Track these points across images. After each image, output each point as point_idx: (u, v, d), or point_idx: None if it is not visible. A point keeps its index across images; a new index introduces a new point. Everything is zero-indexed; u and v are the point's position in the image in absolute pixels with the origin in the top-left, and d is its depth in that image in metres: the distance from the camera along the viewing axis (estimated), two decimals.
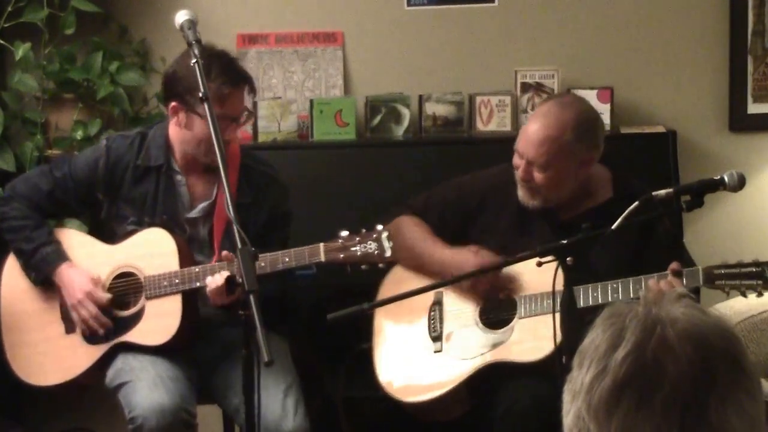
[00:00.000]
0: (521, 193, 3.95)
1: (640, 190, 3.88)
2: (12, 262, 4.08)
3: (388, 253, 3.64)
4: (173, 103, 3.89)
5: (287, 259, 3.70)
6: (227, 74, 3.81)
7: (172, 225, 3.96)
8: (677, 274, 3.62)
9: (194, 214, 3.99)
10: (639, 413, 1.48)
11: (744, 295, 3.62)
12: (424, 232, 4.08)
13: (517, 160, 3.93)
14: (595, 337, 1.55)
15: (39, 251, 3.98)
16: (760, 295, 3.61)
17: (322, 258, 3.67)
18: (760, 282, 3.58)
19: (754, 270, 3.59)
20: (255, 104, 4.81)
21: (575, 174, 3.90)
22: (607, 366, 1.51)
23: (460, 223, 4.11)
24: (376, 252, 3.64)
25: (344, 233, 3.67)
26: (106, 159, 3.99)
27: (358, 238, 3.66)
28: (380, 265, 3.69)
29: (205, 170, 3.95)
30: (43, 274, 3.99)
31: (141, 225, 3.97)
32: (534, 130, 3.87)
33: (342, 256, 3.66)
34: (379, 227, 3.66)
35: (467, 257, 3.92)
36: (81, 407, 5.01)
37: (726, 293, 3.65)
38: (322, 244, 3.68)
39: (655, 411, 1.47)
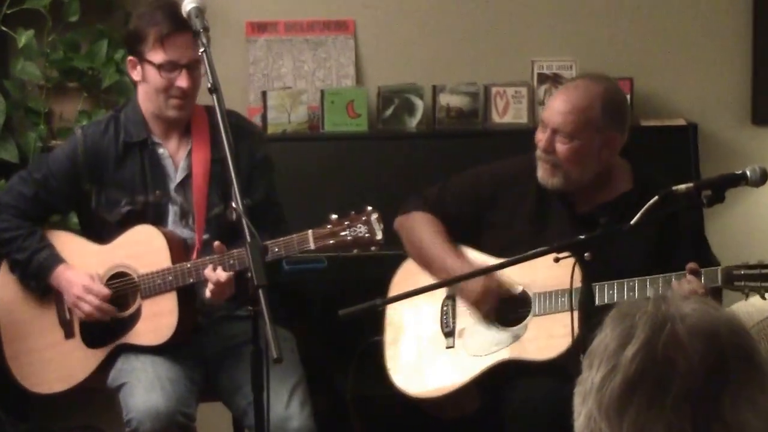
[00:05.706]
0: (541, 171, 3.90)
1: (660, 183, 3.85)
2: (4, 272, 4.05)
3: (379, 236, 3.53)
4: (130, 58, 3.88)
5: (276, 249, 3.62)
6: (170, 18, 3.72)
7: (166, 199, 3.91)
8: (695, 273, 3.59)
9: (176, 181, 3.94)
10: (651, 411, 1.47)
11: (763, 297, 3.60)
12: (437, 235, 4.02)
13: (539, 134, 3.90)
14: (604, 337, 1.55)
15: (34, 259, 3.95)
16: None
17: (312, 245, 3.58)
18: None
19: None
20: (264, 94, 4.82)
21: (598, 153, 3.85)
22: (617, 364, 1.51)
23: (474, 215, 4.06)
24: (366, 235, 3.54)
25: (333, 216, 3.57)
26: (84, 146, 3.94)
27: (347, 222, 3.55)
28: (372, 248, 3.58)
29: (177, 128, 3.88)
30: (43, 281, 3.95)
31: (135, 205, 3.90)
32: (562, 99, 3.88)
33: (332, 242, 3.56)
34: (369, 208, 3.56)
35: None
36: (88, 405, 4.98)
37: (745, 295, 3.61)
38: (310, 231, 3.59)
39: (667, 408, 1.46)
